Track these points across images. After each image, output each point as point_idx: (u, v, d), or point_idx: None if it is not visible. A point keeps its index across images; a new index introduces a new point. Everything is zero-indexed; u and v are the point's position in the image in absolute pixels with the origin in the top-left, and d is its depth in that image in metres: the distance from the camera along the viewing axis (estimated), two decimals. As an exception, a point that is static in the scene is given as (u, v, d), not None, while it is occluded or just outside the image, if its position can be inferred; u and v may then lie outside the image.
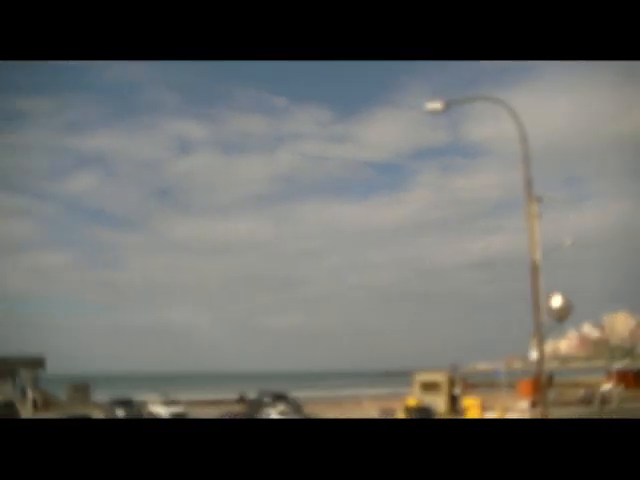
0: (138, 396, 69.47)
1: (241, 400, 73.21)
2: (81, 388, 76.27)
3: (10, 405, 55.49)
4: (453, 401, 56.40)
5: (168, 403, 57.63)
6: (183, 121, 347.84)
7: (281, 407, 50.53)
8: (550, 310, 25.13)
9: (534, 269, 25.13)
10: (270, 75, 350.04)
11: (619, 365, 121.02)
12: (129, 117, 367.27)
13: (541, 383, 27.52)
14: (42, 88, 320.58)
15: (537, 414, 40.85)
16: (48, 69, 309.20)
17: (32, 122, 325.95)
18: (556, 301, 24.92)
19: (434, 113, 25.74)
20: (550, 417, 26.97)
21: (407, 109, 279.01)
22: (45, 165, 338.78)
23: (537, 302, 25.25)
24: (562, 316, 24.93)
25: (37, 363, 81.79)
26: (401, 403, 55.47)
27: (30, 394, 71.84)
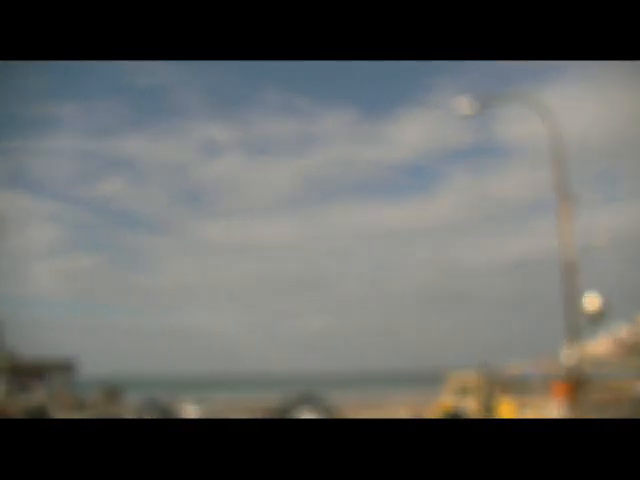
0: (168, 398, 69.64)
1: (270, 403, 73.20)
2: (112, 391, 76.48)
3: (42, 408, 55.79)
4: (486, 402, 55.94)
5: (198, 405, 57.62)
6: (211, 124, 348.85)
7: (311, 409, 50.33)
8: (584, 311, 24.75)
9: (568, 270, 24.77)
10: (297, 77, 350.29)
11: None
12: (157, 120, 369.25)
13: (575, 384, 27.17)
14: (70, 92, 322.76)
15: (572, 416, 40.47)
16: (75, 73, 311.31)
17: (60, 126, 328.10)
18: (590, 302, 24.55)
19: (465, 114, 25.49)
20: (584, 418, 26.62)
21: (436, 109, 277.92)
22: (73, 169, 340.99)
23: (571, 303, 24.89)
24: (596, 317, 24.55)
25: (68, 366, 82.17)
26: (433, 404, 55.18)
27: (62, 395, 72.18)
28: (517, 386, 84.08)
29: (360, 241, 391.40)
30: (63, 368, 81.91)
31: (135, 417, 55.03)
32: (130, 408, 65.19)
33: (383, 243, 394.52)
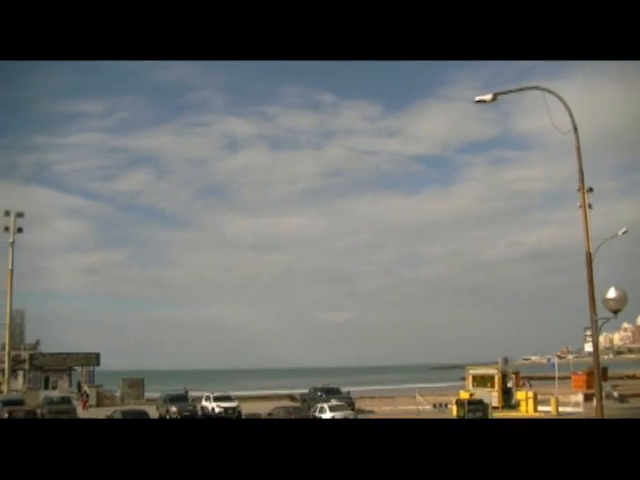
0: (191, 391, 70.00)
1: (293, 397, 73.48)
2: (135, 383, 77.03)
3: (67, 400, 56.30)
4: (506, 395, 55.94)
5: (221, 398, 57.77)
6: (232, 119, 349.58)
7: (334, 402, 50.58)
8: (605, 302, 24.87)
9: (588, 261, 24.93)
10: (317, 71, 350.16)
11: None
12: (179, 117, 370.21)
13: (595, 376, 27.29)
14: (92, 90, 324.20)
15: (591, 407, 40.49)
16: (98, 71, 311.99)
17: (83, 123, 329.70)
18: (611, 293, 24.65)
19: (483, 103, 25.72)
20: (605, 409, 26.76)
21: (455, 102, 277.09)
22: (96, 165, 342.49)
23: (592, 294, 25.04)
24: (617, 308, 24.65)
25: (92, 359, 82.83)
26: (454, 397, 55.26)
27: (86, 389, 72.78)
28: (537, 377, 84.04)
29: (382, 233, 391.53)
30: (86, 361, 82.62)
31: (157, 410, 55.55)
32: (152, 401, 65.67)
33: (404, 235, 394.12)
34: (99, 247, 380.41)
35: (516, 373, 60.35)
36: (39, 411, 49.13)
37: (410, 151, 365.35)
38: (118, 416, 42.80)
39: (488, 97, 25.40)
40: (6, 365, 66.11)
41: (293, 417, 42.94)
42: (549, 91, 25.16)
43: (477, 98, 25.62)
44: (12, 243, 62.02)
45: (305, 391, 65.05)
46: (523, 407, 52.67)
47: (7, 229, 62.00)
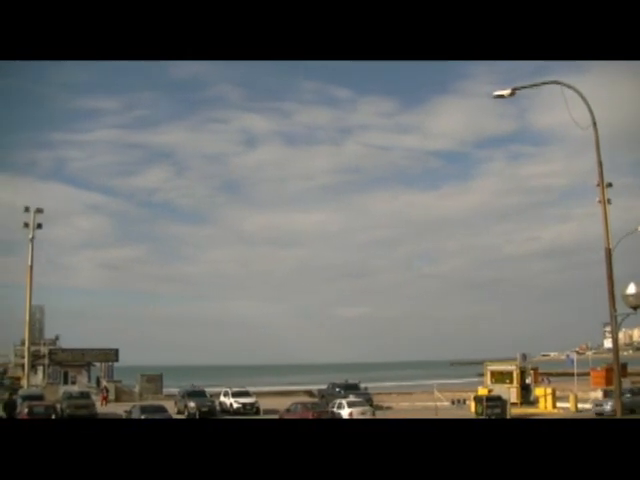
0: (209, 387, 70.13)
1: (311, 393, 73.54)
2: (153, 379, 77.22)
3: (86, 395, 56.60)
4: (525, 391, 55.85)
5: (239, 394, 57.95)
6: (249, 115, 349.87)
7: (352, 397, 50.63)
8: (624, 298, 24.76)
9: (608, 256, 24.85)
10: (334, 67, 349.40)
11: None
12: (196, 113, 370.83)
13: (615, 372, 27.19)
14: (110, 87, 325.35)
15: (610, 403, 40.34)
16: (115, 68, 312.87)
17: (102, 120, 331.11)
18: (631, 289, 24.53)
19: (501, 97, 25.68)
20: (622, 406, 26.65)
21: (472, 97, 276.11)
22: (115, 161, 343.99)
23: (611, 290, 24.95)
24: (637, 304, 24.52)
25: (110, 355, 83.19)
26: (472, 393, 55.18)
27: (104, 384, 73.09)
28: (556, 374, 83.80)
29: (399, 229, 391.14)
30: (105, 356, 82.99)
31: (175, 405, 55.78)
32: (171, 396, 65.92)
33: (422, 231, 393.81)
34: (118, 243, 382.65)
35: (535, 369, 60.17)
36: (59, 406, 49.38)
37: (428, 147, 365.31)
38: (137, 411, 43.00)
39: (507, 92, 25.37)
40: (26, 360, 66.43)
41: (311, 413, 42.97)
42: (568, 86, 25.07)
43: (496, 93, 25.60)
44: (32, 239, 62.26)
45: (323, 387, 65.16)
46: (542, 404, 52.59)
47: (27, 225, 62.23)
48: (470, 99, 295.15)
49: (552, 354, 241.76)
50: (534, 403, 53.83)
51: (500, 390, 52.28)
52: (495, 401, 47.97)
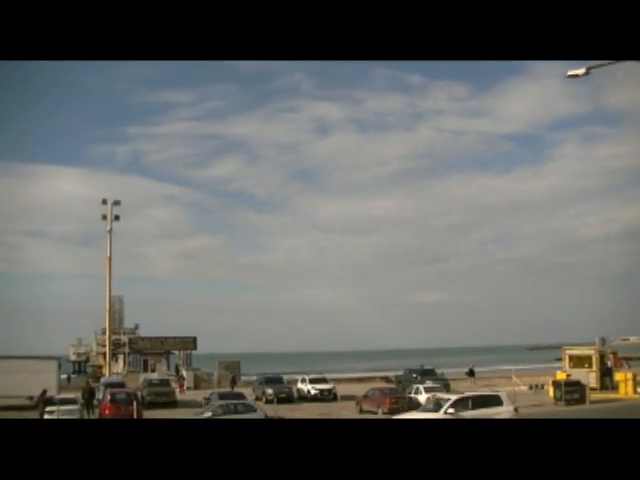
0: (286, 374, 70.68)
1: (388, 379, 73.60)
2: (231, 366, 78.08)
3: (166, 383, 57.65)
4: (605, 376, 55.04)
5: (316, 381, 58.33)
6: (321, 104, 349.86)
7: (429, 383, 50.61)
8: None
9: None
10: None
11: None
12: (268, 103, 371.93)
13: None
14: (182, 80, 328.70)
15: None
16: (188, 62, 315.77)
17: (175, 113, 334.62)
18: None
19: (574, 77, 25.26)
20: None
21: (543, 78, 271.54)
22: (189, 153, 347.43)
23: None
24: None
25: (189, 343, 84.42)
26: (550, 378, 54.63)
27: (183, 372, 74.21)
28: (637, 358, 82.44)
29: (474, 214, 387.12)
30: (184, 345, 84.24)
31: (252, 392, 56.34)
32: (248, 383, 66.59)
33: (496, 215, 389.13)
34: (194, 233, 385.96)
35: (614, 353, 59.21)
36: (139, 393, 50.37)
37: (500, 130, 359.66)
38: (215, 398, 43.55)
39: (581, 71, 24.89)
40: (107, 349, 67.81)
41: (388, 399, 43.14)
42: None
43: (570, 72, 25.15)
44: (110, 231, 63.40)
45: (400, 373, 65.19)
46: (622, 389, 51.69)
47: (105, 217, 63.40)
48: (541, 80, 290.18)
49: (632, 338, 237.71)
50: (614, 388, 53.03)
51: (579, 375, 51.60)
52: (574, 386, 47.47)
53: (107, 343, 67.76)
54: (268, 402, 51.65)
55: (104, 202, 63.55)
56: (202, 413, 36.58)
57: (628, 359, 78.70)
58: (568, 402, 45.89)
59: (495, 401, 32.65)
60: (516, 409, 32.80)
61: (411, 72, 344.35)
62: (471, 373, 69.93)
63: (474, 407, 31.54)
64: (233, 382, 63.30)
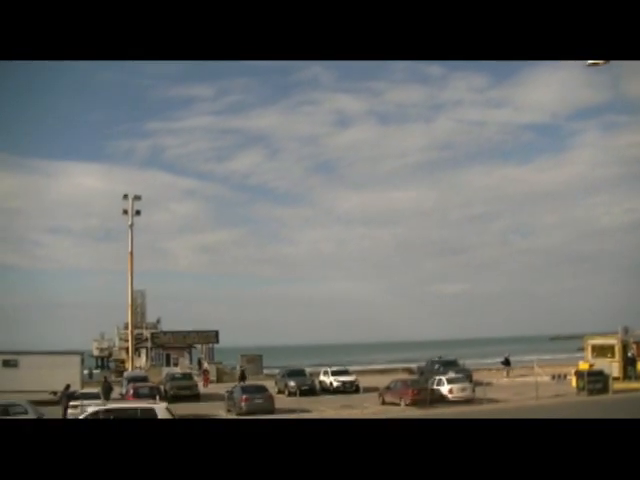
0: (309, 366, 70.82)
1: (410, 370, 73.57)
2: (253, 359, 78.26)
3: (189, 377, 57.91)
4: (628, 365, 54.72)
5: (339, 373, 58.42)
6: (341, 96, 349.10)
7: (451, 374, 50.56)
8: None
9: None
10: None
11: None
12: (287, 96, 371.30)
13: None
14: (203, 75, 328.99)
15: None
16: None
17: (195, 107, 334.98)
18: None
19: (593, 65, 25.16)
20: None
21: (563, 67, 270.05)
22: (209, 147, 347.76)
23: None
24: None
25: (211, 337, 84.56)
26: (573, 368, 54.40)
27: (206, 366, 74.45)
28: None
29: (495, 204, 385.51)
30: (206, 338, 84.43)
31: (275, 384, 56.49)
32: (271, 376, 66.75)
33: (518, 205, 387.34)
34: (215, 226, 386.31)
35: (637, 343, 58.84)
36: (162, 387, 50.65)
37: (520, 120, 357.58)
38: (238, 391, 43.71)
39: (600, 60, 24.80)
40: (129, 343, 68.20)
41: (410, 391, 43.04)
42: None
43: (590, 61, 25.08)
44: (131, 226, 63.72)
45: (422, 364, 65.14)
46: (645, 376, 51.47)
47: (126, 212, 63.73)
48: (560, 70, 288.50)
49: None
50: (637, 378, 52.73)
51: (602, 364, 51.34)
52: (597, 376, 47.29)
53: (129, 338, 68.20)
54: (290, 394, 51.84)
55: (125, 197, 63.88)
56: None
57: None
58: (591, 392, 45.73)
59: None
60: None
61: (430, 63, 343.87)
62: (507, 362, 69.28)
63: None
64: (242, 377, 62.93)
